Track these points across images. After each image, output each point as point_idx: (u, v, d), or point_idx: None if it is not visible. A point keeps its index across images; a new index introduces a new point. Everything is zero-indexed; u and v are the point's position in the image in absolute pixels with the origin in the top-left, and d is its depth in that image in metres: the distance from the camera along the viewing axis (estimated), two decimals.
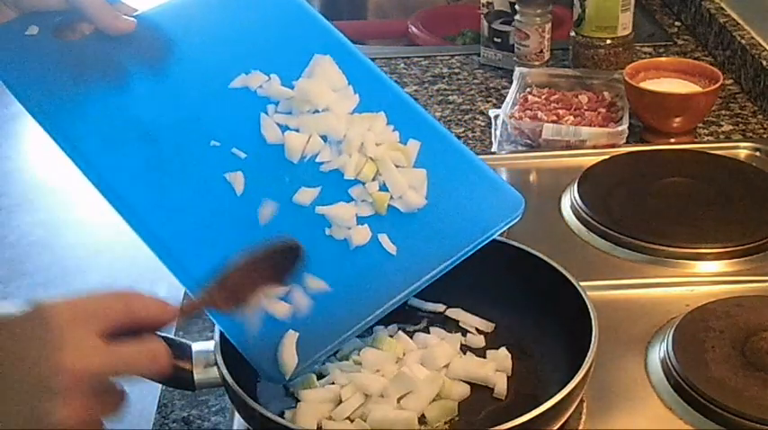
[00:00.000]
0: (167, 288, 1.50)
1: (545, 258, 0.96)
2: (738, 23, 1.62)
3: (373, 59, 1.04)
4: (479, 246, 0.90)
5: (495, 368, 0.91)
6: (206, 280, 0.79)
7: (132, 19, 0.95)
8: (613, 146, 1.34)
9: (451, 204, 0.91)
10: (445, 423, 0.87)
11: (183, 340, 0.88)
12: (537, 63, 1.57)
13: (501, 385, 0.90)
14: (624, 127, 1.34)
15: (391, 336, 0.95)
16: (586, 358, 0.84)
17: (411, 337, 0.96)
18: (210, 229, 0.88)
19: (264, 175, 0.91)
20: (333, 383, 0.89)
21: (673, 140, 1.37)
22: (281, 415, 0.87)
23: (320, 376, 0.91)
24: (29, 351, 0.62)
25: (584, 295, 0.91)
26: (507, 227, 0.93)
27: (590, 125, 1.38)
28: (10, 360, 0.62)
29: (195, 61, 0.97)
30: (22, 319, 0.63)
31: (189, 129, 0.93)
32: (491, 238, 0.91)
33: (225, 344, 0.85)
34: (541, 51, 1.57)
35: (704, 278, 1.08)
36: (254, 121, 0.94)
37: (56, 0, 0.93)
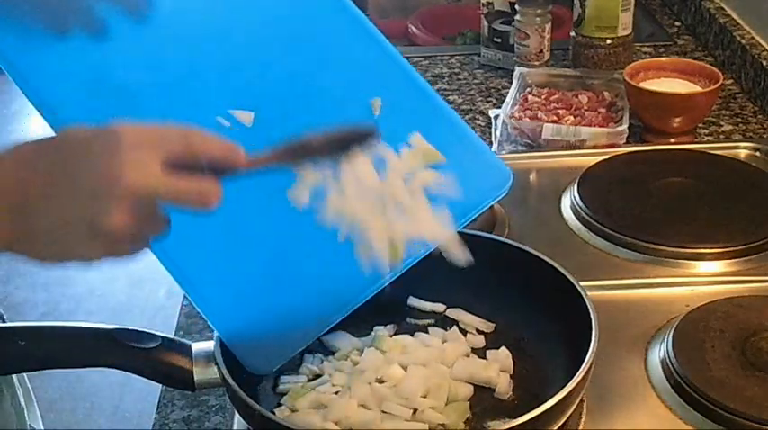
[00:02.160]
0: (167, 289, 1.50)
1: (545, 258, 0.96)
2: (738, 23, 1.62)
3: None
4: (465, 223, 0.90)
5: (498, 369, 0.91)
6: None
7: None
8: (613, 146, 1.34)
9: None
10: (464, 423, 0.87)
11: (183, 340, 0.88)
12: (537, 63, 1.57)
13: (504, 386, 0.90)
14: (624, 127, 1.34)
15: (391, 336, 0.95)
16: (586, 358, 0.84)
17: (411, 335, 0.96)
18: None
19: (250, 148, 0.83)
20: (334, 386, 0.89)
21: (673, 140, 1.37)
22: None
23: (317, 377, 0.91)
24: (96, 161, 0.70)
25: (584, 295, 0.90)
26: (493, 202, 0.93)
27: (590, 125, 1.38)
28: (81, 166, 0.70)
29: (183, 18, 0.92)
30: (94, 135, 0.71)
31: (173, 93, 0.89)
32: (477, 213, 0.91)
33: (225, 345, 0.85)
34: (541, 51, 1.57)
35: (704, 278, 1.08)
36: (244, 88, 0.90)
37: None
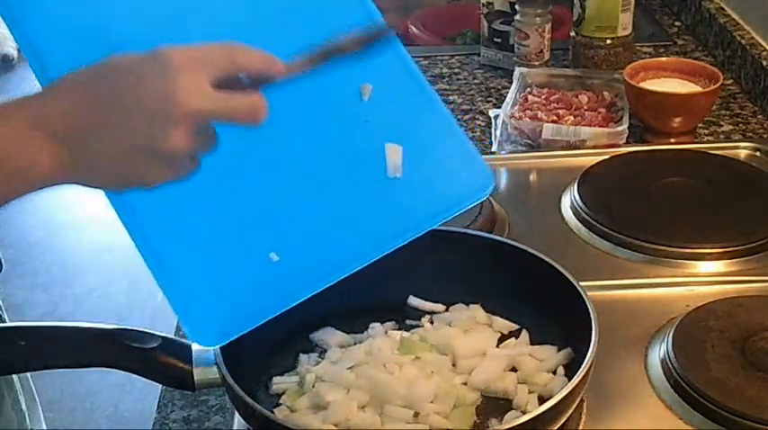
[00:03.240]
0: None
1: (545, 258, 0.96)
2: (738, 23, 1.62)
3: None
4: (441, 222, 0.88)
5: (516, 381, 0.90)
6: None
7: None
8: (613, 146, 1.34)
9: (424, 177, 0.88)
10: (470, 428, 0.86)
11: (183, 340, 0.88)
12: (537, 63, 1.57)
13: (523, 396, 0.88)
14: (624, 127, 1.34)
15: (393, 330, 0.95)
16: (586, 358, 0.84)
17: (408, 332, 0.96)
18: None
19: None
20: (333, 384, 0.89)
21: (673, 140, 1.37)
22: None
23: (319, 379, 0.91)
24: (150, 87, 0.71)
25: (584, 295, 0.90)
26: (473, 205, 0.90)
27: (590, 125, 1.38)
28: (134, 92, 0.71)
29: None
30: (143, 60, 0.72)
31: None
32: (454, 214, 0.88)
33: (225, 345, 0.85)
34: (541, 51, 1.57)
35: (704, 278, 1.08)
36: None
37: None
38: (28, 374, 1.12)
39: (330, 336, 0.95)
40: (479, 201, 0.90)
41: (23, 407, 1.11)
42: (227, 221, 0.85)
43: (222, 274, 0.84)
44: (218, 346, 0.85)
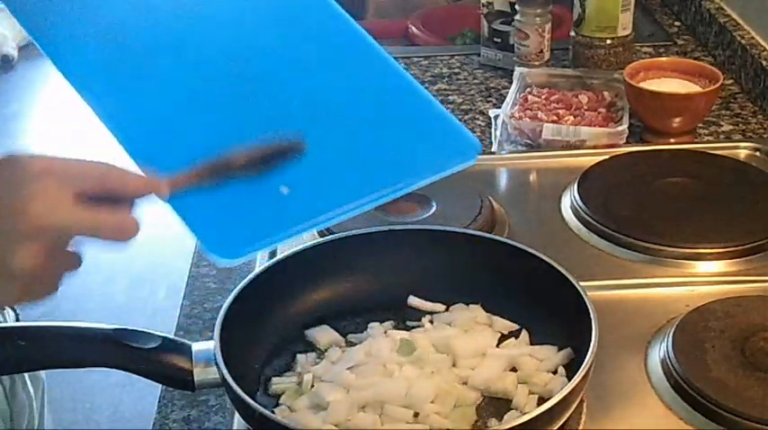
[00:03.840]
0: (167, 289, 1.50)
1: (545, 258, 0.96)
2: (738, 23, 1.62)
3: None
4: (425, 182, 0.88)
5: (517, 381, 0.90)
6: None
7: None
8: (613, 146, 1.34)
9: (406, 138, 0.90)
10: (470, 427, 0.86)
11: (184, 340, 0.88)
12: (537, 63, 1.57)
13: (523, 396, 0.88)
14: (624, 127, 1.34)
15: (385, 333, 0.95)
16: (586, 358, 0.84)
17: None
18: (175, 131, 0.82)
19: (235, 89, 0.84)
20: (332, 384, 0.89)
21: (673, 140, 1.37)
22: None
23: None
24: (0, 196, 0.63)
25: (584, 295, 0.90)
26: (460, 167, 0.90)
27: (590, 125, 1.38)
28: None
29: None
30: None
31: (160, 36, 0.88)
32: (439, 175, 0.88)
33: (225, 345, 0.85)
34: (541, 51, 1.57)
35: (704, 278, 1.08)
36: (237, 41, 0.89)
37: None
38: None
39: (322, 335, 0.96)
40: (465, 166, 0.91)
41: (30, 389, 1.11)
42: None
43: (235, 199, 0.81)
44: (218, 347, 0.85)
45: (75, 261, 0.69)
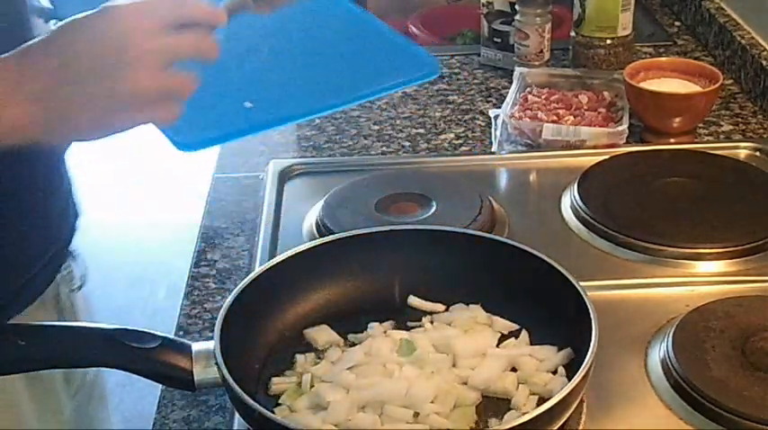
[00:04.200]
0: (167, 289, 1.50)
1: (545, 258, 0.96)
2: (738, 23, 1.62)
3: None
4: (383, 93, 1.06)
5: (516, 381, 0.90)
6: None
7: None
8: (613, 146, 1.34)
9: (367, 59, 1.07)
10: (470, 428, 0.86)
11: (184, 340, 0.88)
12: (537, 63, 1.57)
13: (523, 397, 0.88)
14: (624, 127, 1.34)
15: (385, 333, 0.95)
16: (586, 358, 0.84)
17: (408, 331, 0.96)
18: None
19: None
20: (332, 384, 0.89)
21: (673, 140, 1.37)
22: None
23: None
24: (102, 37, 0.78)
25: (584, 295, 0.90)
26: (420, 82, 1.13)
27: (590, 125, 1.38)
28: (90, 45, 0.78)
29: None
30: (94, 16, 0.79)
31: None
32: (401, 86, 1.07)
33: (225, 345, 0.85)
34: (541, 51, 1.57)
35: (704, 278, 1.08)
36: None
37: None
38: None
39: (321, 335, 0.96)
40: (422, 81, 1.08)
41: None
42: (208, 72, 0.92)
43: (202, 101, 0.89)
44: (218, 347, 0.85)
45: (186, 80, 0.81)
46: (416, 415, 0.85)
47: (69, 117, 0.79)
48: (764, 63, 1.47)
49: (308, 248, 1.00)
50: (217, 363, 0.84)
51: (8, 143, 0.80)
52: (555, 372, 0.90)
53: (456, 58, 1.71)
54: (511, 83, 1.51)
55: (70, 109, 0.79)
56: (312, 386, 0.89)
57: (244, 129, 0.97)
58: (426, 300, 1.00)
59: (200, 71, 0.90)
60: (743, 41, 1.55)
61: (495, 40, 1.65)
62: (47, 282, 1.09)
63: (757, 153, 1.33)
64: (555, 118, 1.40)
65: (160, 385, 0.93)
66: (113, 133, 0.81)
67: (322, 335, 0.96)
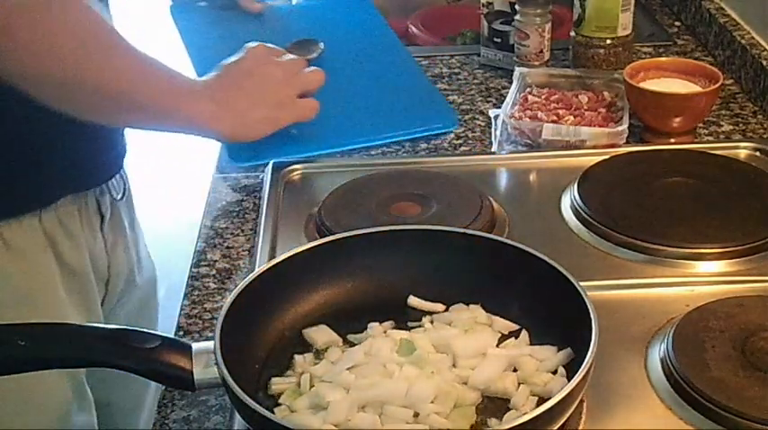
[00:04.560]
0: (167, 289, 1.50)
1: (545, 258, 0.96)
2: (738, 23, 1.62)
3: None
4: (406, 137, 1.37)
5: (516, 381, 0.90)
6: None
7: (260, 4, 1.66)
8: (613, 146, 1.34)
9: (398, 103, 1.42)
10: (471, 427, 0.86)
11: (183, 340, 0.88)
12: (537, 63, 1.57)
13: (522, 397, 0.88)
14: (624, 127, 1.34)
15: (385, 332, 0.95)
16: (586, 358, 0.84)
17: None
18: None
19: None
20: (332, 385, 0.89)
21: (673, 140, 1.37)
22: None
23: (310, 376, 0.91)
24: (255, 68, 1.28)
25: (584, 295, 0.90)
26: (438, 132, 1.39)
27: (590, 125, 1.38)
28: (257, 74, 1.27)
29: None
30: (242, 57, 1.29)
31: None
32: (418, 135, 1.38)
33: (225, 345, 0.85)
34: (541, 51, 1.57)
35: (704, 278, 1.08)
36: None
37: None
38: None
39: (319, 335, 0.96)
40: (439, 132, 1.39)
41: (131, 249, 1.32)
42: None
43: None
44: (218, 347, 0.85)
45: (313, 79, 1.31)
46: (416, 415, 0.85)
47: (238, 115, 1.22)
48: (764, 63, 1.47)
49: (308, 248, 1.00)
50: (217, 363, 0.84)
51: (192, 131, 1.20)
52: (555, 372, 0.90)
53: (456, 58, 1.71)
54: (511, 83, 1.51)
55: (238, 108, 1.22)
56: (312, 386, 0.89)
57: (287, 151, 1.31)
58: (426, 300, 1.00)
59: None
60: (743, 41, 1.55)
61: (495, 40, 1.65)
62: (101, 178, 1.24)
63: (757, 153, 1.33)
64: (555, 118, 1.40)
65: (160, 385, 0.93)
66: (271, 129, 1.26)
67: (321, 335, 0.96)
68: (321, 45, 1.50)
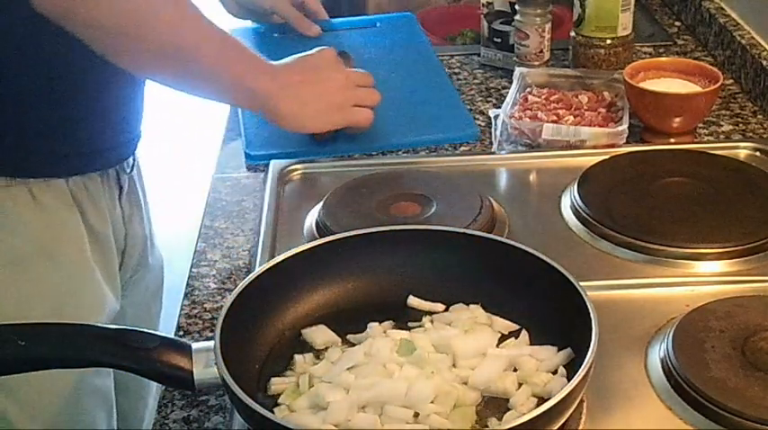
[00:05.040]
0: (166, 290, 1.50)
1: (545, 258, 0.96)
2: (738, 23, 1.62)
3: None
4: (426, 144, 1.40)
5: (516, 381, 0.90)
6: None
7: (318, 27, 1.71)
8: (613, 146, 1.34)
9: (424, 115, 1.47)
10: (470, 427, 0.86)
11: (183, 340, 0.88)
12: (537, 63, 1.57)
13: (522, 397, 0.88)
14: (624, 127, 1.34)
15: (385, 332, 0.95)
16: (586, 358, 0.84)
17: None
18: None
19: None
20: (332, 385, 0.89)
21: (673, 140, 1.37)
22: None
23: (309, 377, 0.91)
24: (315, 62, 1.35)
25: (584, 295, 0.90)
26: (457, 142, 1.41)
27: (590, 125, 1.38)
28: (308, 66, 1.34)
29: None
30: (311, 53, 1.35)
31: None
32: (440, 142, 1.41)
33: (225, 345, 0.85)
34: (541, 51, 1.57)
35: (704, 278, 1.08)
36: None
37: (276, 17, 1.73)
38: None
39: (318, 335, 0.96)
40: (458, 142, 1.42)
41: (145, 223, 1.37)
42: None
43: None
44: (218, 347, 0.85)
45: (371, 96, 1.36)
46: (416, 415, 0.85)
47: (297, 102, 1.27)
48: (764, 63, 1.47)
49: (308, 248, 1.00)
50: (217, 363, 0.84)
51: (250, 104, 1.28)
52: (555, 372, 0.90)
53: (456, 58, 1.71)
54: (511, 83, 1.51)
55: (299, 95, 1.27)
56: (311, 386, 0.89)
57: (303, 153, 1.35)
58: (426, 299, 1.00)
59: None
60: (743, 41, 1.55)
61: (495, 40, 1.65)
62: (121, 157, 1.28)
63: (757, 153, 1.33)
64: (555, 118, 1.40)
65: (160, 385, 0.93)
66: (325, 126, 1.32)
67: (320, 335, 0.96)
68: (352, 58, 1.50)
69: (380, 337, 0.94)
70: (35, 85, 1.12)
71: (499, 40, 1.64)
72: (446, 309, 0.99)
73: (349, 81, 1.33)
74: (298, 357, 0.93)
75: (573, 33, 1.58)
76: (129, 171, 1.30)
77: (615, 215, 1.17)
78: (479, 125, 1.46)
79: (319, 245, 1.01)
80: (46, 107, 1.13)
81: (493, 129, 1.42)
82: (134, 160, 1.33)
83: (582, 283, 0.92)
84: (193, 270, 1.15)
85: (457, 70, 1.66)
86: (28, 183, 1.14)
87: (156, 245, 1.43)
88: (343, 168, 1.32)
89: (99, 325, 0.89)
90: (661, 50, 1.70)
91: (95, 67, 1.12)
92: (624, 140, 1.35)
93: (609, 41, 1.55)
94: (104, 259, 1.25)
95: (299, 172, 1.32)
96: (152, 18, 1.11)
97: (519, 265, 0.97)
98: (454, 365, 0.91)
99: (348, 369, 0.90)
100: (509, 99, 1.44)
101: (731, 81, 1.56)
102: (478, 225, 1.13)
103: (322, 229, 1.15)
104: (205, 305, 1.09)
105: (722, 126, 1.44)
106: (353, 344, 0.95)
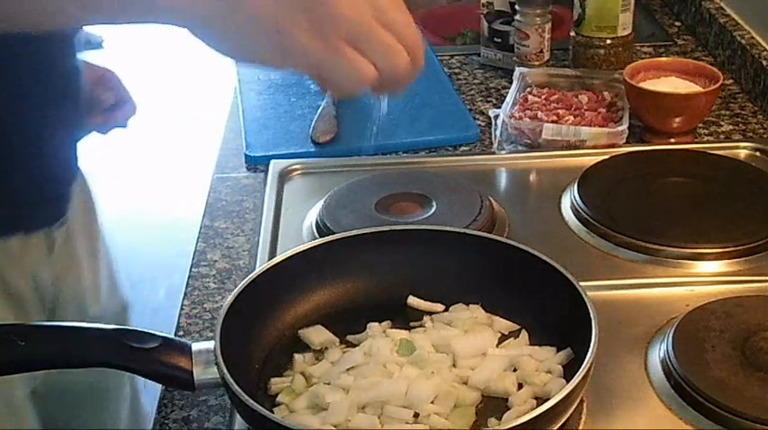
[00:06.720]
0: (167, 289, 1.50)
1: (545, 258, 0.96)
2: (738, 23, 1.62)
3: None
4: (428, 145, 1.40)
5: (516, 381, 0.90)
6: None
7: None
8: (613, 146, 1.34)
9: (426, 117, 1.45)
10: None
11: (183, 340, 0.88)
12: (537, 63, 1.57)
13: (522, 397, 0.88)
14: (624, 127, 1.34)
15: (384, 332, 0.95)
16: (586, 358, 0.84)
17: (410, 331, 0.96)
18: None
19: None
20: (332, 385, 0.89)
21: (673, 140, 1.37)
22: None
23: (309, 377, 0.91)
24: None
25: (584, 295, 0.90)
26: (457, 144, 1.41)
27: (590, 125, 1.38)
28: None
29: None
30: None
31: None
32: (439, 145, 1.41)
33: (225, 345, 0.85)
34: (541, 51, 1.57)
35: (704, 278, 1.08)
36: None
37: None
38: None
39: (316, 335, 0.96)
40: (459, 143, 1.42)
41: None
42: None
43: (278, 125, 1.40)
44: (218, 347, 0.85)
45: (363, 65, 0.77)
46: (416, 415, 0.85)
47: (239, 18, 0.75)
48: (764, 63, 1.48)
49: (308, 248, 1.00)
50: (217, 363, 0.84)
51: (177, 6, 0.75)
52: (555, 373, 0.90)
53: (456, 58, 1.71)
54: (511, 83, 1.51)
55: (245, 13, 0.75)
56: (311, 386, 0.89)
57: (303, 153, 1.34)
58: (426, 300, 1.00)
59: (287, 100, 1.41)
60: (743, 41, 1.55)
61: (495, 40, 1.65)
62: (48, 221, 1.14)
63: (757, 153, 1.33)
64: (555, 118, 1.40)
65: (160, 385, 0.93)
66: (262, 62, 0.78)
67: (317, 335, 0.96)
68: None
69: (380, 337, 0.94)
70: None
71: (499, 40, 1.64)
72: (446, 309, 0.99)
73: (338, 27, 0.76)
74: (298, 357, 0.93)
75: (573, 33, 1.58)
76: (62, 226, 1.16)
77: (615, 215, 1.17)
78: (479, 125, 1.46)
79: (319, 245, 1.01)
80: None
81: (493, 130, 1.42)
82: (68, 216, 1.18)
83: (582, 283, 0.92)
84: (193, 270, 1.15)
85: (457, 70, 1.66)
86: None
87: (117, 288, 1.31)
88: (343, 168, 1.32)
89: (99, 325, 0.88)
90: (661, 50, 1.70)
91: (19, 113, 1.01)
92: (624, 140, 1.35)
93: (609, 41, 1.55)
94: (18, 318, 1.12)
95: (299, 172, 1.32)
96: None
97: (519, 265, 0.97)
98: (454, 365, 0.91)
99: (348, 369, 0.90)
100: (509, 99, 1.44)
101: (731, 81, 1.56)
102: (478, 225, 1.13)
103: (322, 229, 1.15)
104: (205, 305, 1.09)
105: (722, 126, 1.44)
106: (353, 344, 0.95)
